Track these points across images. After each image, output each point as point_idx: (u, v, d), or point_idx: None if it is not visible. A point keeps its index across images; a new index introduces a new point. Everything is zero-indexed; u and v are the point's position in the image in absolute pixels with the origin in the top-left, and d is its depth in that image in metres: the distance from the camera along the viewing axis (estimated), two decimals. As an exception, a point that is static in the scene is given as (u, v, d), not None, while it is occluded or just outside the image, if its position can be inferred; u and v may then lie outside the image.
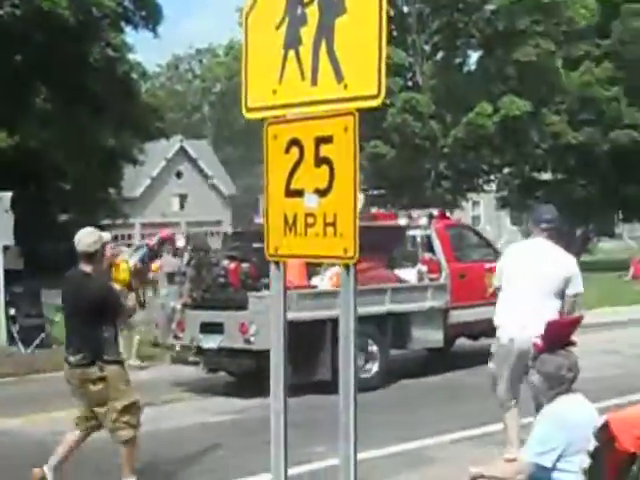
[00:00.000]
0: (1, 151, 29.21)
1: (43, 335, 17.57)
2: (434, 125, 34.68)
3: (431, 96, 35.33)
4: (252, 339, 12.01)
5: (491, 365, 8.38)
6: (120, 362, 7.79)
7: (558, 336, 5.49)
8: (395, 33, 35.97)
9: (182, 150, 64.38)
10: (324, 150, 4.43)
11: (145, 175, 57.80)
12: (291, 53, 4.57)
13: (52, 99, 33.02)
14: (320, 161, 4.45)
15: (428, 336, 14.13)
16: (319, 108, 4.46)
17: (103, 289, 7.65)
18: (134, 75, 36.58)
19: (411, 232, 14.59)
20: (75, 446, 7.78)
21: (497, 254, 13.58)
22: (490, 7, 36.19)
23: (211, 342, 12.71)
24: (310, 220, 4.49)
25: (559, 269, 8.07)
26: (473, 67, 39.47)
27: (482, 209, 66.00)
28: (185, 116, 78.13)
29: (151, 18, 35.68)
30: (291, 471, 4.72)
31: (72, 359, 7.55)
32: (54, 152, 32.21)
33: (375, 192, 39.91)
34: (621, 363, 14.91)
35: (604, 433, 4.92)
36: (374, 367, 13.28)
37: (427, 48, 39.00)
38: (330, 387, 11.55)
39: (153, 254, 22.12)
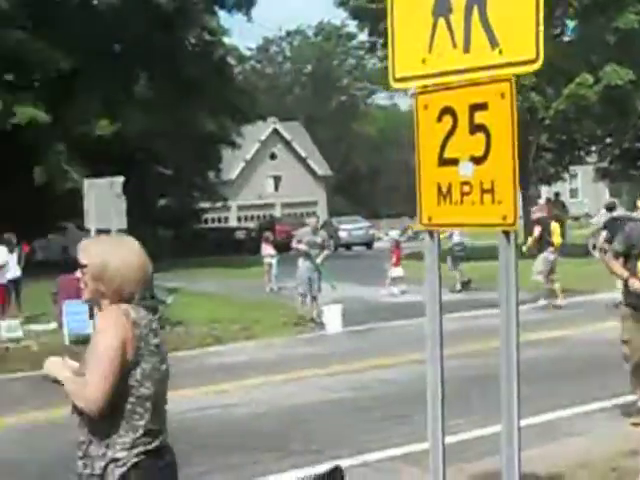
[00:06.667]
0: (103, 139, 29.74)
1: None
2: (534, 97, 34.08)
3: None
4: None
5: None
6: None
7: None
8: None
9: (275, 132, 64.70)
10: (479, 117, 4.37)
11: (239, 158, 58.23)
12: (441, 21, 4.52)
13: (151, 86, 33.49)
14: (475, 129, 4.39)
15: None
16: (473, 75, 4.39)
17: None
18: (230, 59, 36.85)
19: None
20: None
21: None
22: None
23: None
24: (466, 188, 4.44)
25: None
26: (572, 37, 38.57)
27: (579, 181, 65.02)
28: (276, 98, 78.42)
29: (245, 1, 35.88)
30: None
31: None
32: (154, 138, 32.68)
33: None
34: None
35: None
36: None
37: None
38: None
39: None
